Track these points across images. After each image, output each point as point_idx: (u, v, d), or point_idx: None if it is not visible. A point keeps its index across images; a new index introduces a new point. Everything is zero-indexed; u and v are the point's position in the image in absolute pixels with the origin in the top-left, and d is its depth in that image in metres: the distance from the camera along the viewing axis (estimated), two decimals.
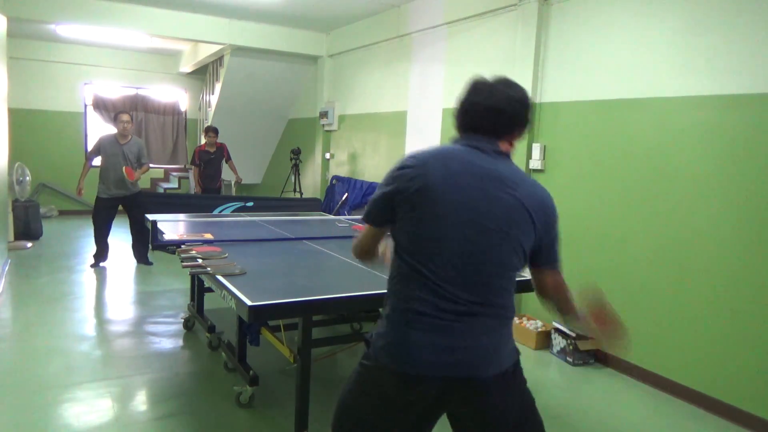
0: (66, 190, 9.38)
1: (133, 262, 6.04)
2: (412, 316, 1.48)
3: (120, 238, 6.33)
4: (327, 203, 7.26)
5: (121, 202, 5.68)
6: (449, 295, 1.46)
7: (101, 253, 5.80)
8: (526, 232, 1.50)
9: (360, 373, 1.59)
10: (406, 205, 1.49)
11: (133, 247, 5.95)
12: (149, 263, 5.93)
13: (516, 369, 1.55)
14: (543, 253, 1.56)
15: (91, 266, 5.76)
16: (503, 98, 1.55)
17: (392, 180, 1.53)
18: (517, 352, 1.57)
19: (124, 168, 5.54)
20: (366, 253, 1.71)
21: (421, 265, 1.48)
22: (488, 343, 1.48)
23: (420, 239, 1.49)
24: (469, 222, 1.45)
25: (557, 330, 3.87)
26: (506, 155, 1.57)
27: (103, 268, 5.78)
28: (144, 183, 8.76)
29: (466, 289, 1.46)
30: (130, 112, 5.90)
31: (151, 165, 5.94)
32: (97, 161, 5.74)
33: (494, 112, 1.54)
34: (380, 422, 1.56)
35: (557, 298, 1.60)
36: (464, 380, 1.47)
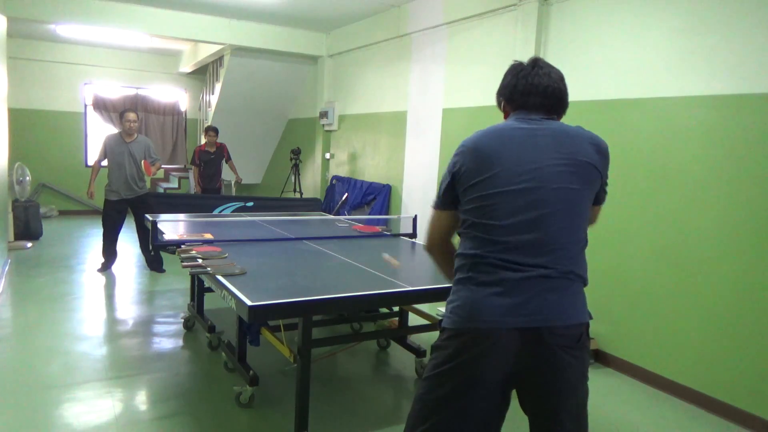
0: (66, 190, 9.39)
1: (134, 262, 6.04)
2: (482, 278, 1.53)
3: (121, 239, 6.32)
4: (327, 203, 7.26)
5: (129, 203, 5.56)
6: (517, 258, 1.52)
7: (110, 258, 5.67)
8: (591, 183, 1.60)
9: (435, 358, 1.59)
10: (468, 177, 1.58)
11: (143, 251, 5.78)
12: (162, 270, 5.75)
13: (583, 334, 1.58)
14: (600, 194, 1.69)
15: (99, 270, 5.65)
16: (549, 79, 1.66)
17: (453, 162, 1.64)
18: (587, 315, 1.61)
19: (142, 162, 5.47)
20: (443, 242, 1.75)
21: (488, 230, 1.54)
22: (556, 299, 1.52)
23: (485, 206, 1.55)
24: (531, 182, 1.53)
25: None
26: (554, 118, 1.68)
27: (106, 271, 5.77)
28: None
29: (533, 250, 1.52)
30: (136, 111, 5.78)
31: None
32: (103, 162, 5.64)
33: (544, 93, 1.66)
34: (463, 403, 1.55)
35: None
36: (535, 330, 1.50)
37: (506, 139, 1.59)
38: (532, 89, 1.66)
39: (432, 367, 1.60)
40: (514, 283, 1.51)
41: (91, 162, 9.59)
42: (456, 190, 1.63)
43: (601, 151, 1.62)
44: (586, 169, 1.58)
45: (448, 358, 1.56)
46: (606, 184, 1.69)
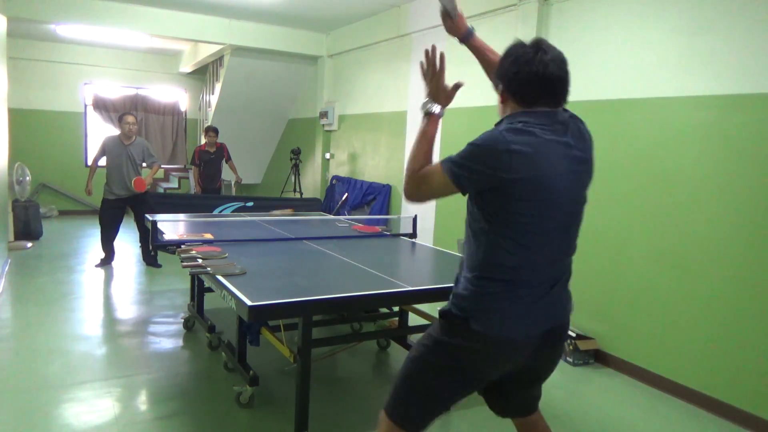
0: (66, 190, 9.38)
1: (134, 261, 6.04)
2: (521, 292, 1.57)
3: (121, 238, 6.32)
4: (327, 203, 7.26)
5: (127, 202, 5.66)
6: (545, 263, 1.59)
7: (108, 255, 5.79)
8: (590, 178, 1.69)
9: (441, 349, 1.64)
10: (511, 190, 1.50)
11: (141, 247, 5.89)
12: (158, 265, 5.82)
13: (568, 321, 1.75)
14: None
15: (96, 266, 5.76)
16: (555, 66, 1.55)
17: (496, 164, 1.48)
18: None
19: (133, 181, 5.51)
20: (423, 201, 1.69)
21: (521, 243, 1.55)
22: (566, 297, 1.69)
23: (522, 222, 1.54)
24: (566, 203, 1.58)
25: None
26: (569, 116, 1.64)
27: (102, 270, 5.77)
28: None
29: (558, 252, 1.61)
30: (134, 113, 5.82)
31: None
32: (102, 161, 5.70)
33: (555, 81, 1.56)
34: (459, 391, 1.67)
35: None
36: (551, 330, 1.64)
37: (551, 158, 1.52)
38: (545, 83, 1.54)
39: (451, 360, 1.63)
40: (547, 295, 1.60)
41: (91, 162, 9.64)
42: (492, 187, 1.51)
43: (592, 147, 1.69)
44: (590, 175, 1.69)
45: (475, 360, 1.62)
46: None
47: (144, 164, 5.79)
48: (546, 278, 1.60)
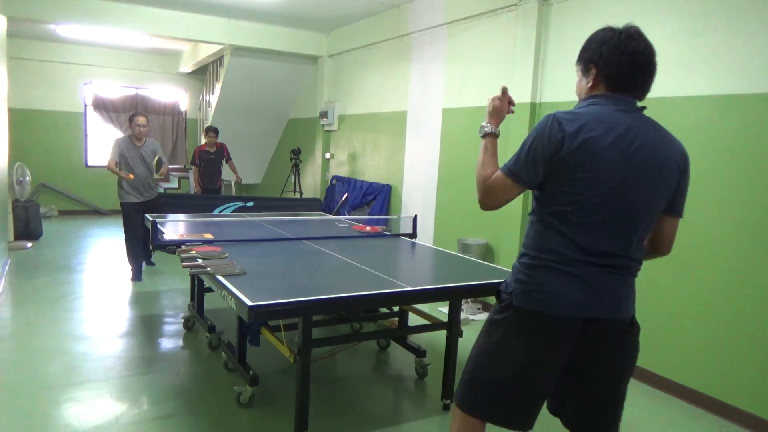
0: (66, 190, 9.39)
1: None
2: (560, 266, 1.58)
3: (120, 237, 6.33)
4: (327, 203, 7.27)
5: (143, 206, 5.31)
6: (593, 249, 1.57)
7: (138, 263, 5.43)
8: (671, 187, 1.63)
9: (498, 328, 1.68)
10: (563, 165, 1.54)
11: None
12: (151, 263, 5.83)
13: (634, 320, 1.69)
14: (678, 202, 1.69)
15: (132, 279, 5.38)
16: (653, 58, 1.61)
17: (549, 141, 1.55)
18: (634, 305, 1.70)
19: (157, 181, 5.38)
20: (497, 207, 1.71)
21: (570, 221, 1.57)
22: (624, 292, 1.63)
23: (574, 199, 1.56)
24: (623, 183, 1.54)
25: None
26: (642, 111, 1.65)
27: (102, 270, 5.77)
28: None
29: (611, 242, 1.57)
30: (145, 113, 5.60)
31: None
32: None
33: (646, 74, 1.62)
34: (521, 375, 1.64)
35: (660, 241, 1.74)
36: (601, 321, 1.61)
37: (615, 140, 1.54)
38: (638, 72, 1.60)
39: (502, 336, 1.67)
40: (591, 273, 1.58)
41: (91, 162, 9.67)
42: (549, 170, 1.57)
43: (685, 159, 1.68)
44: (668, 182, 1.63)
45: (522, 336, 1.64)
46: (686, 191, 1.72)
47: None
48: (591, 261, 1.57)
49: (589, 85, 1.67)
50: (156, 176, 5.38)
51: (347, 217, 5.49)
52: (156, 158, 5.40)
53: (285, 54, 7.55)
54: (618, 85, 1.61)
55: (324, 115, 7.46)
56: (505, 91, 1.89)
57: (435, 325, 3.29)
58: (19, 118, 8.31)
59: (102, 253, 6.61)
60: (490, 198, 1.68)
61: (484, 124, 1.83)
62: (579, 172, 1.54)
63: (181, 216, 4.57)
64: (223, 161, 7.20)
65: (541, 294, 1.60)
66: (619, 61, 1.59)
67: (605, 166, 1.53)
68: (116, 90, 9.77)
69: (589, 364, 1.67)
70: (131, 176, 5.22)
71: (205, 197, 6.61)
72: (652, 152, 1.58)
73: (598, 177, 1.53)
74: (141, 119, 5.34)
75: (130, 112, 5.52)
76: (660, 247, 1.74)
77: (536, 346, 1.63)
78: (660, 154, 1.59)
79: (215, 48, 7.66)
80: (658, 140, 1.60)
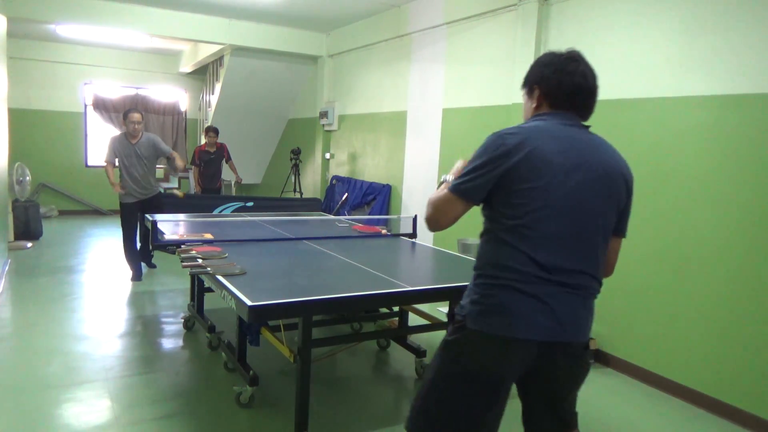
0: (66, 190, 9.39)
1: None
2: (519, 285, 1.53)
3: (119, 238, 6.33)
4: (327, 203, 7.27)
5: (142, 205, 5.29)
6: (553, 265, 1.52)
7: (137, 263, 5.44)
8: (621, 198, 1.66)
9: (449, 351, 1.63)
10: (511, 177, 1.52)
11: (141, 249, 5.68)
12: (152, 266, 5.77)
13: (588, 344, 1.68)
14: (622, 221, 1.72)
15: (132, 279, 5.36)
16: (593, 80, 1.65)
17: (495, 154, 1.54)
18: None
19: (182, 194, 5.35)
20: (444, 226, 1.66)
21: (526, 236, 1.52)
22: (584, 316, 1.62)
23: (527, 211, 1.52)
24: (575, 190, 1.54)
25: None
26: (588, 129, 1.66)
27: (102, 270, 5.77)
28: None
29: (571, 257, 1.55)
30: (141, 111, 5.49)
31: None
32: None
33: (587, 93, 1.65)
34: (477, 403, 1.59)
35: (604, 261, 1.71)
36: (559, 344, 1.57)
37: (561, 151, 1.55)
38: (578, 92, 1.64)
39: (455, 358, 1.61)
40: (550, 292, 1.54)
41: (91, 162, 9.66)
42: (496, 185, 1.54)
43: (631, 177, 1.72)
44: (618, 193, 1.66)
45: (474, 356, 1.59)
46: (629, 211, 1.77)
47: (159, 164, 5.53)
48: (550, 279, 1.52)
49: (534, 105, 1.70)
50: (177, 173, 5.26)
51: (347, 217, 5.49)
52: (166, 158, 5.36)
53: (285, 54, 7.55)
54: (561, 103, 1.64)
55: (324, 115, 7.46)
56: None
57: (435, 325, 3.29)
58: (19, 118, 8.30)
59: (102, 253, 6.61)
60: (437, 213, 1.64)
61: (447, 177, 1.78)
62: (530, 181, 1.51)
63: (181, 216, 4.57)
64: (223, 161, 7.20)
65: (498, 316, 1.54)
66: (560, 80, 1.63)
67: (555, 174, 1.52)
68: (116, 90, 9.76)
69: (542, 384, 1.66)
70: (118, 189, 5.17)
71: (205, 197, 6.62)
72: (600, 161, 1.59)
73: (550, 185, 1.51)
74: (135, 116, 5.21)
75: (140, 112, 5.41)
76: (605, 267, 1.71)
77: (489, 370, 1.58)
78: (608, 164, 1.61)
79: (215, 48, 7.66)
80: (603, 150, 1.63)
